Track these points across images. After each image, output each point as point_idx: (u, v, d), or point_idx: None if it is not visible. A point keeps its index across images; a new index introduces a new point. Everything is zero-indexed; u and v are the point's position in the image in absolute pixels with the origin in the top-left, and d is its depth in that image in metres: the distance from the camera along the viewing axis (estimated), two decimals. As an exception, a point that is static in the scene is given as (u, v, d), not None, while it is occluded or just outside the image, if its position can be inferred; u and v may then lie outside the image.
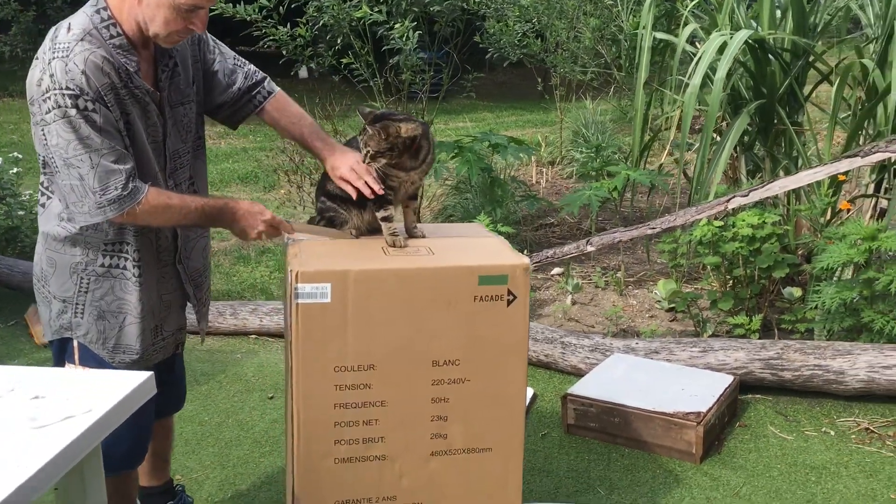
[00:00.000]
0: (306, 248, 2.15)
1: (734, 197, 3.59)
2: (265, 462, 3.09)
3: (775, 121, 4.53)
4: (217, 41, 2.26)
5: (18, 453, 1.45)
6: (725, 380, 3.34)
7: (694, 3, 5.03)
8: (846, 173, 3.90)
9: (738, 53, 4.29)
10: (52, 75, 1.88)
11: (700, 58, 4.21)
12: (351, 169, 2.17)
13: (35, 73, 1.93)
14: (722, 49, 4.18)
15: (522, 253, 2.77)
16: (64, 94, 1.87)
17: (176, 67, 2.10)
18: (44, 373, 1.80)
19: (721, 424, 3.23)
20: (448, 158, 4.96)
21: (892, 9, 4.15)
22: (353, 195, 2.19)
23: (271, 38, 4.82)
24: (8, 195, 4.75)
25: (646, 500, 2.84)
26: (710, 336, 3.93)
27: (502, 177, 5.51)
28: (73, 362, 2.12)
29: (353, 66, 4.84)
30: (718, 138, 4.57)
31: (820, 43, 4.98)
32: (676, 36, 5.00)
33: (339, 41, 4.46)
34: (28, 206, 4.77)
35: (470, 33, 5.53)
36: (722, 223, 3.89)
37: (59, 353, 2.16)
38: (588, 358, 3.67)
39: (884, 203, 4.30)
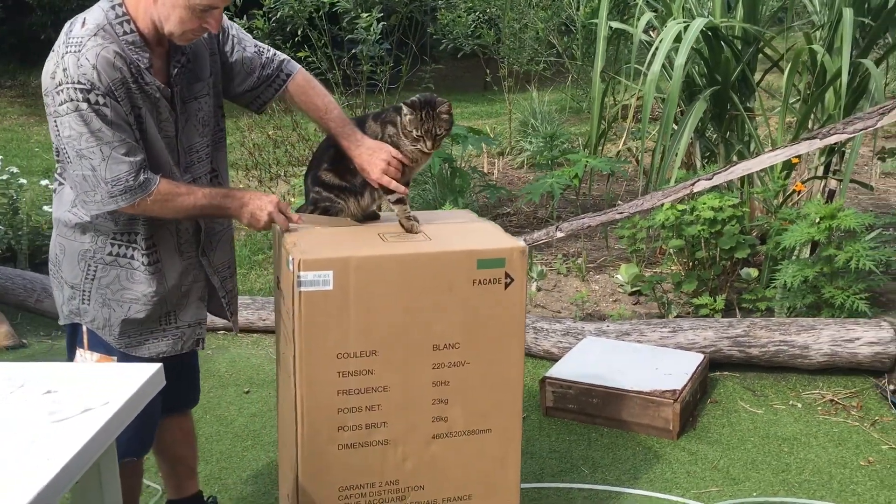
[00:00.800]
0: (304, 236, 2.15)
1: (699, 180, 3.69)
2: (248, 456, 3.08)
3: (728, 107, 4.66)
4: (239, 29, 2.26)
5: (44, 447, 1.44)
6: (696, 358, 3.44)
7: (647, -9, 5.14)
8: (798, 156, 4.04)
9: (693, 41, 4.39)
10: (65, 69, 1.90)
11: (658, 46, 4.30)
12: (386, 168, 2.19)
13: (49, 66, 1.95)
14: (678, 37, 4.28)
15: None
16: (76, 89, 1.89)
17: (188, 63, 2.10)
18: (52, 368, 1.77)
19: (695, 401, 3.33)
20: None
21: (837, -4, 4.30)
22: (404, 190, 2.22)
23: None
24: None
25: (629, 477, 2.91)
26: (675, 317, 4.03)
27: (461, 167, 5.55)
28: (83, 346, 2.15)
29: (310, 59, 4.82)
30: (675, 126, 4.68)
31: (769, 30, 5.13)
32: (630, 25, 5.10)
33: (298, 33, 4.43)
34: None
35: (423, 25, 5.55)
36: (684, 207, 4.00)
37: (71, 337, 2.19)
38: (561, 342, 3.73)
39: (833, 184, 4.47)
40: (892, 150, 6.49)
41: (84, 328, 2.14)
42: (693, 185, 3.68)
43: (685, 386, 3.21)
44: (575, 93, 8.03)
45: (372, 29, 4.24)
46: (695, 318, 3.88)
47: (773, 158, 3.59)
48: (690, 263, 4.23)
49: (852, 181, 4.34)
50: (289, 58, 2.32)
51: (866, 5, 4.36)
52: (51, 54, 1.96)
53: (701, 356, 3.46)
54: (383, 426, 2.13)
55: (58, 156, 2.06)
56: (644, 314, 4.25)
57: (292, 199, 4.99)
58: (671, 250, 4.28)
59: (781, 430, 3.20)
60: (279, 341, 2.33)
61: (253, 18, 4.75)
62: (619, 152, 5.51)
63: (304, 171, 2.55)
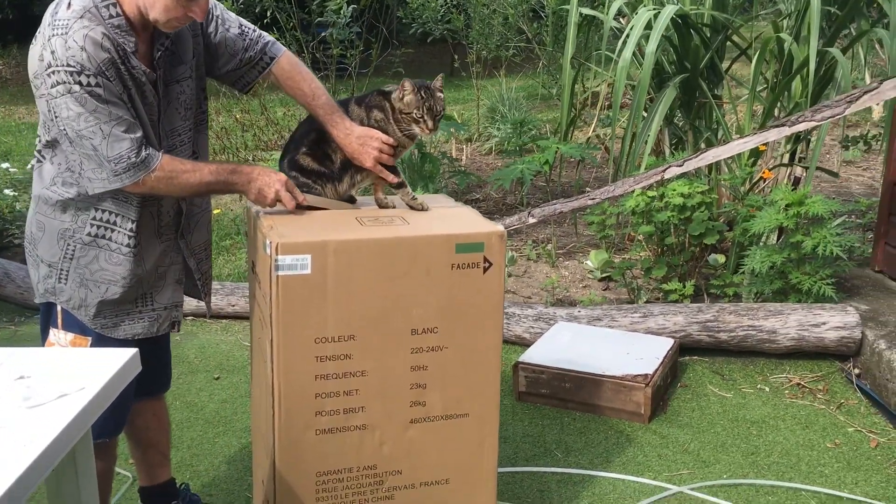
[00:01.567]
0: (281, 220, 2.12)
1: (670, 167, 3.71)
2: (220, 442, 3.05)
3: (697, 94, 4.69)
4: (224, 9, 2.22)
5: (19, 433, 1.40)
6: (667, 343, 3.47)
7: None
8: (766, 144, 4.08)
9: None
10: (52, 52, 1.87)
11: (629, 33, 4.31)
12: (378, 156, 2.18)
13: (36, 49, 1.92)
14: (649, 24, 4.29)
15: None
16: (66, 72, 1.86)
17: (171, 45, 2.07)
18: (25, 353, 1.73)
19: (665, 385, 3.36)
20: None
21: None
22: (395, 178, 2.23)
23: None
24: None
25: (601, 461, 2.93)
26: (645, 302, 4.07)
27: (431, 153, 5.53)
28: (57, 326, 2.12)
29: (279, 41, 4.76)
30: (645, 114, 4.70)
31: (738, 18, 5.17)
32: (600, 11, 5.11)
33: (268, 14, 4.37)
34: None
35: (392, 9, 5.50)
36: (654, 193, 4.02)
37: (45, 316, 2.16)
38: (532, 328, 3.74)
39: (798, 171, 4.53)
40: (856, 139, 6.60)
41: (59, 308, 2.11)
42: (664, 171, 3.71)
43: (656, 370, 3.24)
44: (545, 79, 8.04)
45: (342, 12, 4.20)
46: (665, 303, 3.91)
47: (742, 145, 3.62)
48: (660, 249, 4.26)
49: (818, 169, 4.40)
50: (274, 40, 2.28)
51: (833, -6, 4.42)
52: (36, 36, 1.92)
53: (671, 341, 3.49)
54: (361, 411, 2.12)
55: (42, 134, 2.02)
56: (614, 300, 4.28)
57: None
58: (641, 236, 4.31)
59: (750, 413, 3.24)
60: (254, 326, 2.31)
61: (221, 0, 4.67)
62: (588, 139, 5.52)
63: (272, 156, 2.53)
